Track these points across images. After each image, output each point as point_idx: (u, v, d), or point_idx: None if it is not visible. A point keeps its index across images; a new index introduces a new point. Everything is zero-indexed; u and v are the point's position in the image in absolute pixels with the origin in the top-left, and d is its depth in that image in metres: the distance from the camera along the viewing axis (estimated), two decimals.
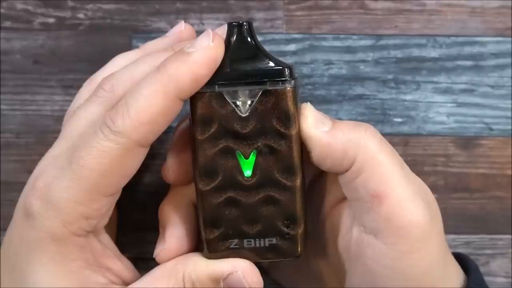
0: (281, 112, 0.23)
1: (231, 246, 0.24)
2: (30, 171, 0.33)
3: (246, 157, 0.24)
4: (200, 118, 0.23)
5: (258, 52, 0.24)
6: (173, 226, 0.26)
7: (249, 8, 0.34)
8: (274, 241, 0.24)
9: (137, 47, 0.33)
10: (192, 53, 0.23)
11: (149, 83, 0.23)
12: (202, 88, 0.23)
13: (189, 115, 0.24)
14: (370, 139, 0.24)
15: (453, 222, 0.34)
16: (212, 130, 0.23)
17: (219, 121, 0.23)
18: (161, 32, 0.33)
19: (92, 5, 0.33)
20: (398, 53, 0.34)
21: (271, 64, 0.24)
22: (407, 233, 0.23)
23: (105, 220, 0.25)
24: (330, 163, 0.24)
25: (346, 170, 0.24)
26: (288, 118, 0.23)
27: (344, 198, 0.26)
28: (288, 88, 0.23)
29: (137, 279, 0.26)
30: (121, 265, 0.26)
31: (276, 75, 0.23)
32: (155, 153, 0.33)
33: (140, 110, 0.23)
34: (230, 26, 0.24)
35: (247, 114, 0.23)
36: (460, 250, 0.34)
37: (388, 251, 0.24)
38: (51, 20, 0.33)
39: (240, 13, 0.34)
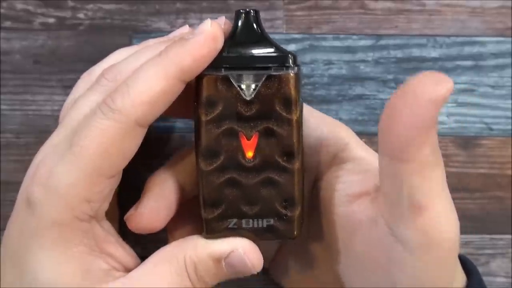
0: (283, 97, 0.24)
1: (229, 226, 0.25)
2: None
3: (248, 139, 0.24)
4: (206, 100, 0.24)
5: (263, 39, 0.25)
6: (150, 196, 0.27)
7: (249, 8, 0.34)
8: (271, 222, 0.25)
9: None
10: (192, 38, 0.23)
11: (150, 65, 0.23)
12: (209, 71, 0.24)
13: (194, 98, 0.25)
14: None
15: None
16: (217, 111, 0.24)
17: (224, 103, 0.24)
18: (161, 32, 0.33)
19: (92, 5, 0.33)
20: (398, 53, 0.34)
21: (276, 50, 0.24)
22: (438, 247, 0.23)
23: (106, 205, 0.25)
24: (399, 144, 0.22)
25: (404, 163, 0.22)
26: (290, 103, 0.24)
27: (366, 193, 0.25)
28: (292, 74, 0.24)
29: (137, 264, 0.26)
30: (123, 252, 0.26)
31: (280, 61, 0.24)
32: (155, 153, 0.33)
33: (141, 89, 0.23)
34: (238, 13, 0.25)
35: (251, 97, 0.24)
36: (460, 250, 0.34)
37: (413, 260, 0.23)
38: (51, 20, 0.33)
39: None
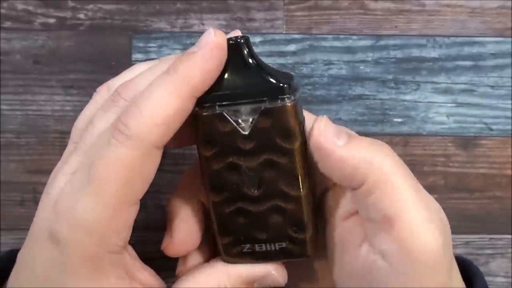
0: (282, 128, 0.23)
1: (244, 250, 0.25)
2: (30, 171, 0.33)
3: (251, 172, 0.24)
4: (203, 138, 0.24)
5: (256, 69, 0.24)
6: (180, 220, 0.26)
7: (249, 8, 0.34)
8: (284, 245, 0.25)
9: (137, 47, 0.33)
10: (197, 51, 0.23)
11: (159, 84, 0.23)
12: (203, 109, 0.23)
13: (194, 134, 0.24)
14: (384, 158, 0.24)
15: (453, 222, 0.33)
16: (217, 148, 0.24)
17: (222, 139, 0.23)
18: (161, 32, 0.33)
19: (92, 6, 0.33)
20: (398, 53, 0.34)
21: (270, 80, 0.23)
22: (417, 259, 0.23)
23: (131, 231, 0.24)
24: (339, 178, 0.24)
25: (357, 188, 0.24)
26: (290, 134, 0.23)
27: (356, 212, 0.25)
28: (288, 104, 0.23)
29: (161, 286, 0.26)
30: (148, 275, 0.26)
31: (274, 92, 0.23)
32: None
33: (154, 111, 0.22)
34: (227, 43, 0.24)
35: (249, 131, 0.23)
36: (460, 250, 0.34)
37: (394, 274, 0.23)
38: (52, 21, 0.33)
39: (240, 14, 0.34)
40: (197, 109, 0.23)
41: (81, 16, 0.33)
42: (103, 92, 0.27)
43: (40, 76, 0.33)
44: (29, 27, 0.33)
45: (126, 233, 0.24)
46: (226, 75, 0.23)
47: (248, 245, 0.25)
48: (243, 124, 0.23)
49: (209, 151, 0.24)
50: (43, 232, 0.23)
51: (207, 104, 0.23)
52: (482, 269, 0.34)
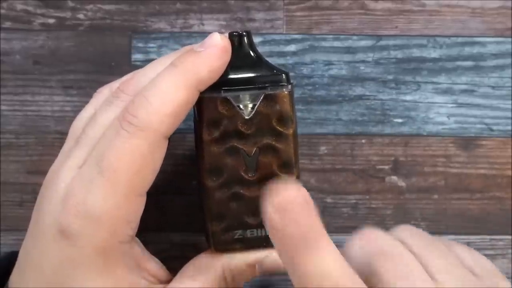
0: (280, 113, 0.25)
1: (235, 237, 0.26)
2: (30, 172, 0.33)
3: (250, 155, 0.26)
4: (208, 121, 0.25)
5: (257, 60, 0.27)
6: None
7: (249, 8, 0.34)
8: None
9: (137, 47, 0.33)
10: (205, 50, 0.24)
11: (167, 76, 0.24)
12: (208, 93, 0.25)
13: (196, 118, 0.26)
14: None
15: (453, 223, 0.34)
16: (219, 131, 0.25)
17: (225, 123, 0.25)
18: (161, 32, 0.33)
19: (92, 6, 0.33)
20: (399, 54, 0.34)
21: (270, 70, 0.26)
22: None
23: (139, 222, 0.25)
24: None
25: None
26: (287, 119, 0.25)
27: None
28: (286, 92, 0.25)
29: (168, 277, 0.26)
30: (156, 265, 0.26)
31: (275, 81, 0.25)
32: None
33: (164, 101, 0.23)
34: (231, 36, 0.26)
35: (251, 116, 0.25)
36: None
37: None
38: (51, 21, 0.33)
39: (240, 14, 0.34)
40: (203, 93, 0.25)
41: (81, 16, 0.33)
42: (104, 93, 0.27)
43: (39, 76, 0.33)
44: (29, 28, 0.33)
45: (136, 223, 0.24)
46: (230, 65, 0.25)
47: (240, 231, 0.26)
48: (244, 110, 0.25)
49: (211, 134, 0.25)
50: (51, 228, 0.23)
51: (213, 89, 0.25)
52: None
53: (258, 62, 0.26)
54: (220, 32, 0.26)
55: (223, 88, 0.25)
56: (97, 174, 0.23)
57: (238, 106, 0.25)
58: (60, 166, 0.25)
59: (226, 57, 0.25)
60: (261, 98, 0.25)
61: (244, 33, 0.26)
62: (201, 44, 0.25)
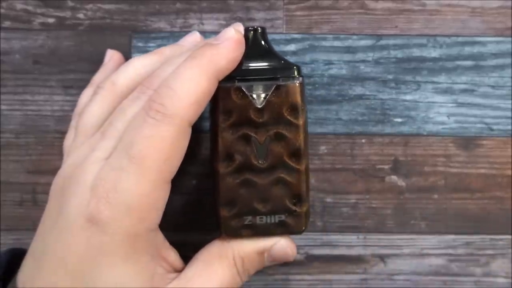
0: (291, 104, 0.27)
1: (245, 223, 0.27)
2: (29, 171, 0.33)
3: (261, 143, 0.27)
4: (222, 108, 0.26)
5: (270, 53, 0.28)
6: None
7: (249, 8, 0.34)
8: (283, 217, 0.27)
9: (137, 47, 0.33)
10: (221, 42, 0.26)
11: (189, 67, 0.25)
12: (223, 82, 0.26)
13: (211, 107, 0.27)
14: None
15: (453, 222, 0.34)
16: (233, 119, 0.26)
17: (238, 111, 0.26)
18: (161, 32, 0.33)
19: (92, 5, 0.33)
20: (398, 53, 0.34)
21: (284, 62, 0.27)
22: None
23: (163, 209, 0.25)
24: None
25: None
26: (297, 109, 0.27)
27: None
28: (297, 84, 0.27)
29: (182, 266, 0.27)
30: (174, 255, 0.27)
31: (287, 72, 0.27)
32: None
33: (188, 90, 0.24)
34: (247, 31, 0.28)
35: (263, 105, 0.26)
36: (460, 250, 0.34)
37: None
38: (51, 20, 0.33)
39: (240, 13, 0.34)
40: (218, 83, 0.26)
41: (81, 16, 0.33)
42: (108, 87, 0.28)
43: (39, 76, 0.33)
44: (29, 27, 0.33)
45: (162, 211, 0.25)
46: (245, 56, 0.27)
47: (249, 217, 0.27)
48: (257, 99, 0.26)
49: (225, 121, 0.26)
50: (79, 218, 0.24)
51: (228, 79, 0.26)
52: (482, 269, 0.34)
53: (271, 55, 0.28)
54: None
55: (237, 78, 0.26)
56: (127, 161, 0.23)
57: (251, 96, 0.26)
58: (84, 158, 0.25)
59: (241, 49, 0.26)
60: (273, 88, 0.26)
61: (259, 29, 0.28)
62: (217, 37, 0.26)
